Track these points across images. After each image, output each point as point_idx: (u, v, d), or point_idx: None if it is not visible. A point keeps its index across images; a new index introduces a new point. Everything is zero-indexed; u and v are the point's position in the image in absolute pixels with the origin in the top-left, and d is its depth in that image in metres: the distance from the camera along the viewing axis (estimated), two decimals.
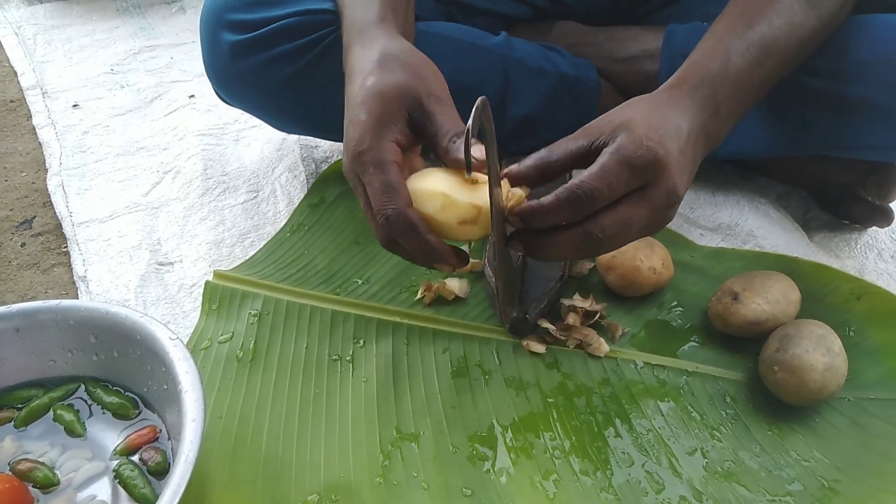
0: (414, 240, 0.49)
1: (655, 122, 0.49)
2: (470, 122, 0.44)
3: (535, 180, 0.51)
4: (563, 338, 0.65)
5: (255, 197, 0.85)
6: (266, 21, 0.70)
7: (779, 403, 0.59)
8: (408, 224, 0.48)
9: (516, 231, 0.51)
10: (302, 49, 0.71)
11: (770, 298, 0.63)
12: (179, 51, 1.16)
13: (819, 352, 0.57)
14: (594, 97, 0.82)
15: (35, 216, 0.83)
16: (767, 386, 0.59)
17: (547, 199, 0.48)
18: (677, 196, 0.49)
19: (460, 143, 0.49)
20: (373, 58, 0.53)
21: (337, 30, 0.70)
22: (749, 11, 0.57)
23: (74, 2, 1.27)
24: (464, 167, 0.48)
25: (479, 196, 0.49)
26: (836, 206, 0.80)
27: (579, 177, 0.47)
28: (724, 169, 0.84)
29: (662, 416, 0.59)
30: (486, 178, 0.48)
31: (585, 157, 0.49)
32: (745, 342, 0.64)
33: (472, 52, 0.76)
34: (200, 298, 0.69)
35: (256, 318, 0.67)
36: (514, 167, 0.51)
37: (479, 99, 0.44)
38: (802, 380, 0.57)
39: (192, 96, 1.03)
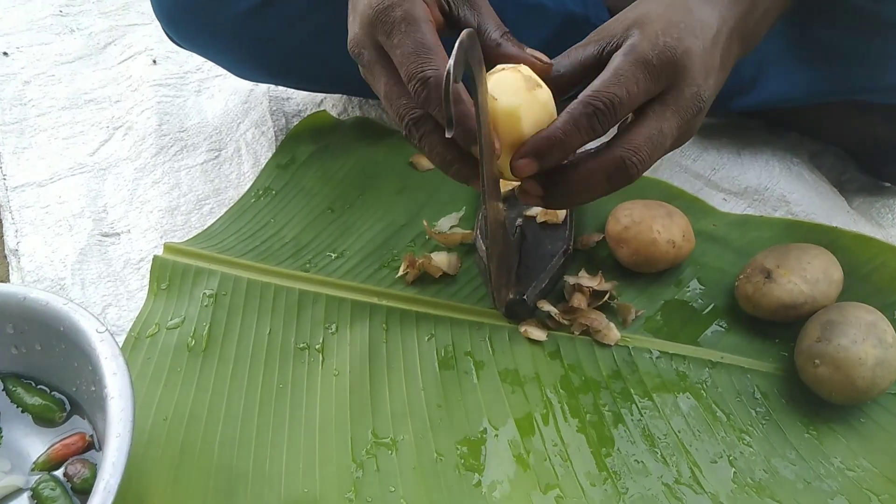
0: (458, 108, 0.39)
1: (676, 15, 0.42)
2: (452, 60, 0.33)
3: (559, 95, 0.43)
4: (566, 322, 0.56)
5: (216, 157, 0.74)
6: None
7: (815, 399, 0.51)
8: (451, 88, 0.38)
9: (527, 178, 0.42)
10: None
11: (808, 277, 0.54)
12: None
13: (869, 343, 0.49)
14: None
15: None
16: (805, 381, 0.51)
17: (560, 121, 0.40)
18: (702, 100, 0.42)
19: (514, 43, 0.42)
20: None
21: None
22: None
23: None
24: (522, 62, 0.42)
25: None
26: (878, 166, 0.70)
27: (590, 86, 0.40)
28: (750, 124, 0.74)
29: (682, 416, 0.51)
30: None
31: (597, 66, 0.42)
32: (777, 327, 0.56)
33: None
34: (148, 275, 0.60)
35: (212, 300, 0.58)
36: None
37: (464, 32, 0.34)
38: (849, 376, 0.48)
39: None
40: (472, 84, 0.38)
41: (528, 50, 0.43)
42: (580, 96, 0.40)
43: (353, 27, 0.44)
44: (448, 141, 0.41)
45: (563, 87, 0.44)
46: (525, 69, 0.42)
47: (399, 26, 0.40)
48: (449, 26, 0.44)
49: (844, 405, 0.51)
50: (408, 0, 0.41)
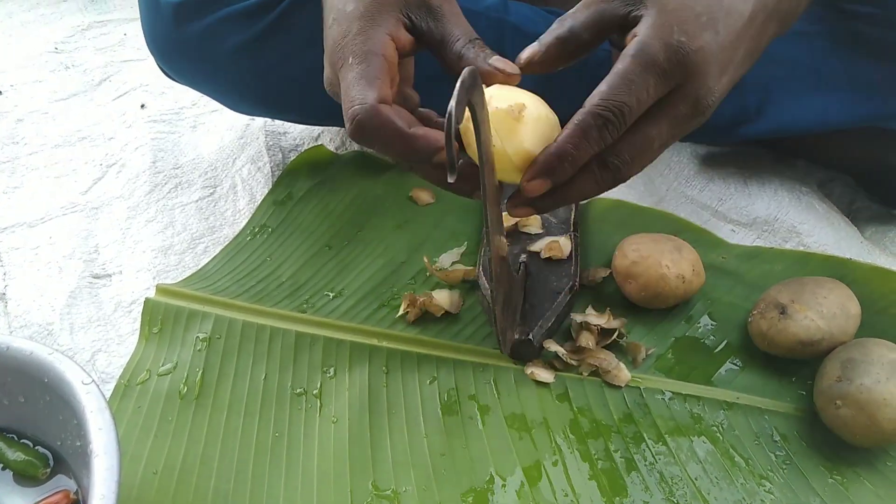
0: (391, 134, 0.39)
1: (701, 2, 0.38)
2: (453, 103, 0.32)
3: (559, 64, 0.42)
4: (574, 363, 0.53)
5: (211, 193, 0.73)
6: None
7: (838, 441, 0.48)
8: (382, 120, 0.38)
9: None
10: (258, 8, 0.59)
11: (825, 312, 0.52)
12: (134, 26, 1.03)
13: (893, 382, 0.46)
14: (605, 69, 0.69)
15: None
16: (825, 422, 0.49)
17: (568, 133, 0.38)
18: (707, 106, 0.40)
19: (478, 52, 0.40)
20: None
21: None
22: None
23: None
24: (484, 75, 0.39)
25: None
26: (889, 193, 0.69)
27: (598, 92, 0.38)
28: (756, 152, 0.73)
29: (699, 461, 0.48)
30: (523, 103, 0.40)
31: (611, 25, 0.40)
32: (793, 364, 0.53)
33: None
34: (140, 319, 0.57)
35: (205, 344, 0.56)
36: (527, 53, 0.41)
37: (466, 70, 0.33)
38: (873, 418, 0.46)
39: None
40: (476, 125, 0.36)
41: (492, 60, 0.41)
42: (587, 105, 0.38)
43: (326, 67, 0.43)
44: (403, 133, 0.40)
45: (580, 50, 0.41)
46: (502, 96, 0.40)
47: (347, 59, 0.40)
48: (417, 43, 0.43)
49: (869, 448, 0.48)
50: (364, 34, 0.40)
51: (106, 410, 0.41)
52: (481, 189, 0.40)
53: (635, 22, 0.39)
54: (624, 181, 0.41)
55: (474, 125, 0.37)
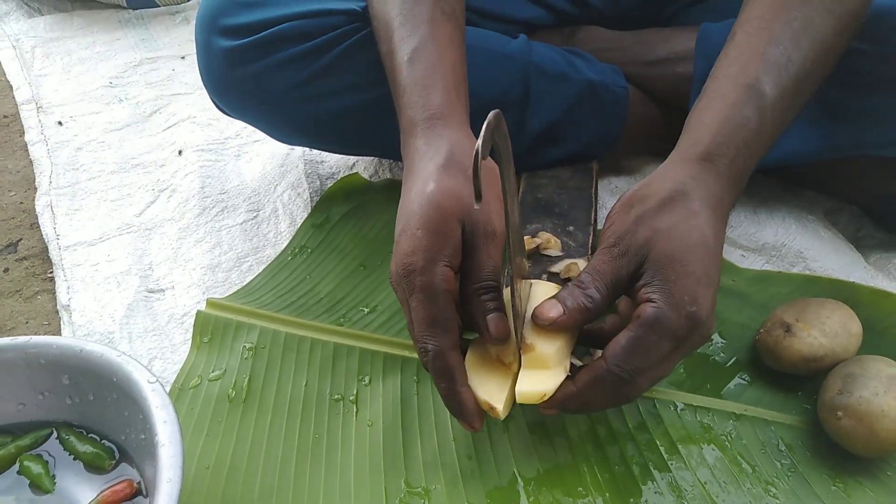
0: (446, 386, 0.46)
1: (697, 260, 0.43)
2: (480, 142, 0.37)
3: (579, 326, 0.47)
4: None
5: (255, 217, 0.79)
6: (264, 24, 0.64)
7: (841, 451, 0.52)
8: (445, 368, 0.45)
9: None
10: (307, 55, 0.65)
11: (827, 331, 0.55)
12: (182, 62, 1.11)
13: (891, 395, 0.50)
14: (622, 104, 0.75)
15: (21, 239, 0.78)
16: (828, 433, 0.52)
17: (584, 381, 0.45)
18: (709, 335, 0.46)
19: (482, 305, 0.46)
20: (438, 159, 0.49)
21: (352, 33, 0.65)
22: (774, 41, 0.51)
23: (76, 13, 1.23)
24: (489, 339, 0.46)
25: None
26: (893, 222, 0.72)
27: (615, 352, 0.43)
28: (766, 182, 0.77)
29: (708, 467, 0.52)
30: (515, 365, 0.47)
31: (623, 287, 0.46)
32: (799, 379, 0.57)
33: (489, 59, 0.70)
34: (192, 330, 0.63)
35: (251, 353, 0.61)
36: (553, 313, 0.45)
37: (491, 113, 0.38)
38: (872, 428, 0.49)
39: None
40: (500, 162, 0.41)
41: (489, 317, 0.46)
42: (607, 359, 0.43)
43: (393, 263, 0.47)
44: (454, 391, 0.46)
45: (599, 314, 0.46)
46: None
47: (418, 294, 0.45)
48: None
49: (870, 458, 0.51)
50: (429, 270, 0.45)
51: (170, 406, 0.46)
52: (504, 215, 0.44)
53: (641, 276, 0.44)
54: (637, 395, 0.46)
55: (497, 163, 0.42)
